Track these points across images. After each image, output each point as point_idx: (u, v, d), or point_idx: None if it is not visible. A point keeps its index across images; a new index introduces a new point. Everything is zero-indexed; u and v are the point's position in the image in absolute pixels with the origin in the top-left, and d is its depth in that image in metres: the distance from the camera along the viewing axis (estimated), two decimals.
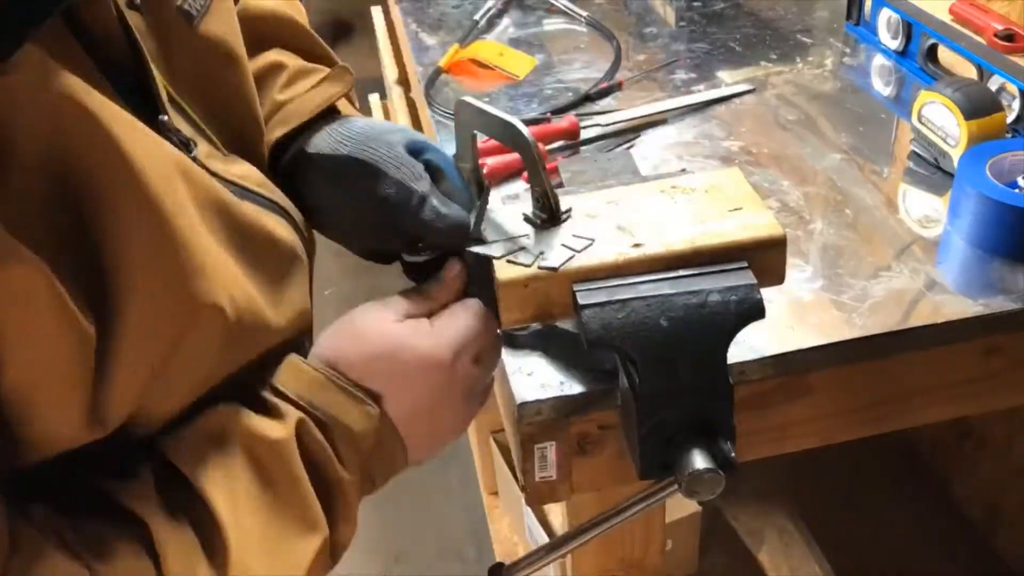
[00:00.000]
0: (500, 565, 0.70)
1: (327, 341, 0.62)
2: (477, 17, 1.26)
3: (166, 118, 0.54)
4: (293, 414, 0.57)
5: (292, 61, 0.73)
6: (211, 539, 0.53)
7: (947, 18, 1.00)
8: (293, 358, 0.60)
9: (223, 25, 0.61)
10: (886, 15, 1.10)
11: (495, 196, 0.67)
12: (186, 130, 0.57)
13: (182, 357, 0.52)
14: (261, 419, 0.57)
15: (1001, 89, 0.94)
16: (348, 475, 0.58)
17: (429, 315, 0.63)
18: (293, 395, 0.58)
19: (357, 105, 0.76)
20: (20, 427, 0.47)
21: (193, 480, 0.54)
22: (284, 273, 0.61)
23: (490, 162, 0.90)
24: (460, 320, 0.63)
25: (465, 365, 0.63)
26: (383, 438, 0.61)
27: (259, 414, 0.57)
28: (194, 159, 0.55)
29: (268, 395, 0.58)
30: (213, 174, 0.56)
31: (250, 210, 0.58)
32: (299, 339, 0.64)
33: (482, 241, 0.64)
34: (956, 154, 0.86)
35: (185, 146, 0.55)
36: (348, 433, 0.59)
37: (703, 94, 1.06)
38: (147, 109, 0.53)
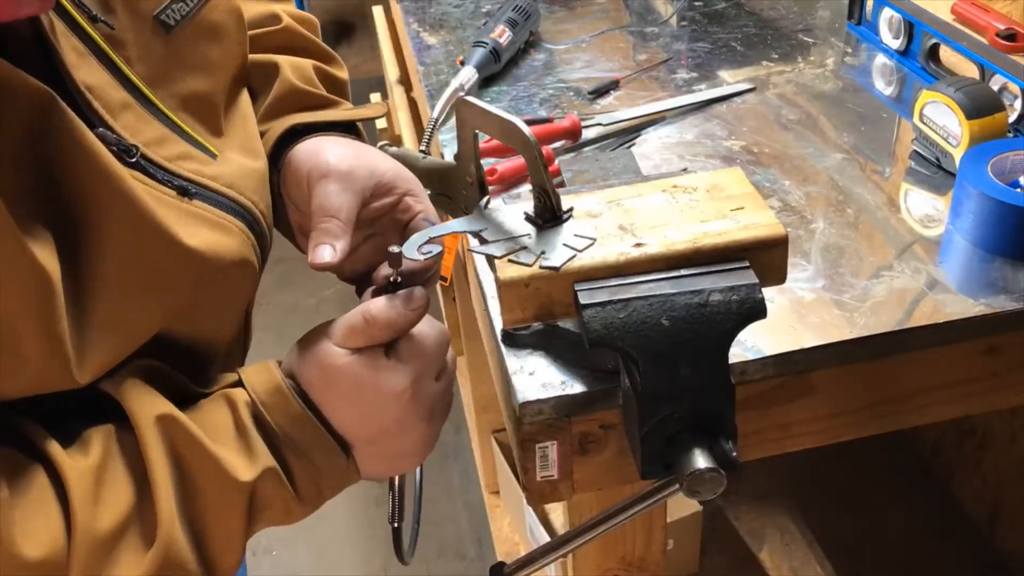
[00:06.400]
0: (501, 564, 0.70)
1: (304, 367, 0.62)
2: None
3: (100, 130, 0.55)
4: (264, 459, 0.58)
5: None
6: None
7: (949, 17, 1.00)
8: (281, 380, 0.60)
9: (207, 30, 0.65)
10: (887, 15, 1.10)
11: (497, 196, 0.67)
12: (151, 131, 0.59)
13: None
14: (233, 453, 0.57)
15: (1003, 89, 0.94)
16: (300, 507, 0.61)
17: (385, 340, 0.62)
18: (276, 429, 0.59)
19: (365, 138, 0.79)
20: None
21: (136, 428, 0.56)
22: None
23: (500, 167, 0.90)
24: (420, 346, 0.63)
25: (427, 387, 0.64)
26: (348, 480, 0.63)
27: (235, 438, 0.58)
28: (135, 163, 0.57)
29: (249, 422, 0.59)
30: (163, 168, 0.59)
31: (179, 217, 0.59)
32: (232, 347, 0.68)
33: (483, 241, 0.64)
34: (958, 154, 0.86)
35: (126, 152, 0.56)
36: (315, 475, 0.61)
37: (704, 93, 1.06)
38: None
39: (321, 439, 0.60)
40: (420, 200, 0.71)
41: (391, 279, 0.64)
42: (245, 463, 0.57)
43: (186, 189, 0.59)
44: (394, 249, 0.62)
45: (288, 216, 0.73)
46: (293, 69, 0.76)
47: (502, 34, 1.11)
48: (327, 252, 0.64)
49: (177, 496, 0.55)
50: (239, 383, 0.61)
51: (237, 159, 0.66)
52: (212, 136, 0.65)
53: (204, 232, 0.59)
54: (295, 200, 0.71)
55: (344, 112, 0.76)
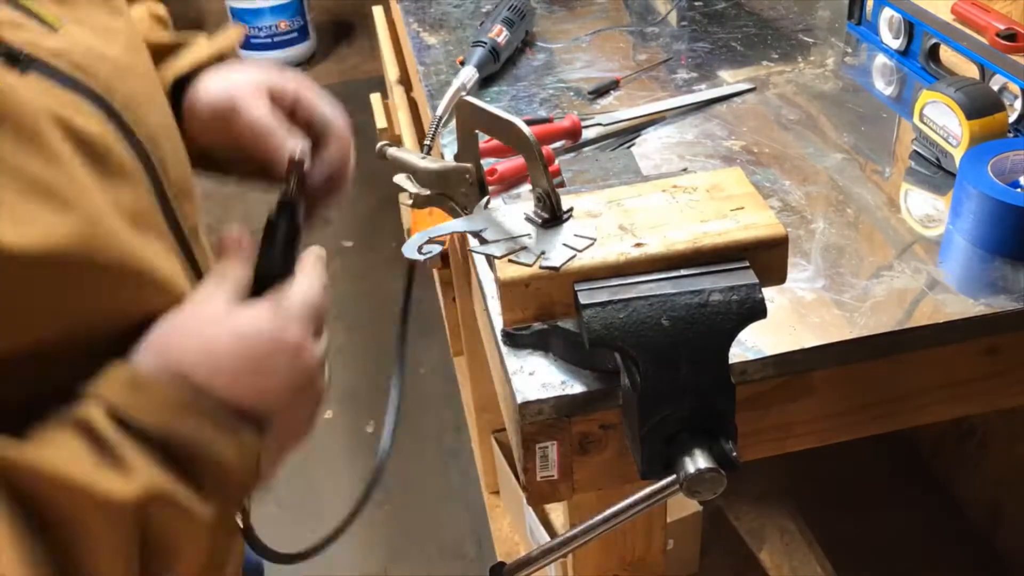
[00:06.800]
0: (501, 564, 0.70)
1: (164, 344, 0.48)
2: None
3: None
4: (144, 473, 0.44)
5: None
6: None
7: (949, 17, 1.00)
8: (136, 369, 0.46)
9: None
10: (888, 14, 1.10)
11: (497, 196, 0.67)
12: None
13: None
14: (100, 474, 0.43)
15: (1003, 89, 0.94)
16: (207, 513, 0.47)
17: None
18: (149, 427, 0.45)
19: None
20: None
21: None
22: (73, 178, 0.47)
23: (500, 167, 0.90)
24: (302, 293, 0.54)
25: (312, 342, 0.54)
26: (261, 468, 0.50)
27: (97, 455, 0.43)
28: None
29: (110, 433, 0.44)
30: None
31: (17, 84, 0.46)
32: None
33: (483, 241, 0.64)
34: (958, 154, 0.86)
35: None
36: (218, 472, 0.47)
37: (704, 93, 1.06)
38: None
39: (212, 418, 0.47)
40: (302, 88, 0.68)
41: (284, 195, 0.57)
42: (119, 481, 0.43)
43: (16, 57, 0.46)
44: (296, 155, 0.59)
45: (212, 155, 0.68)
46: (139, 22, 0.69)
47: (499, 33, 1.11)
48: (299, 143, 0.61)
49: (35, 555, 0.41)
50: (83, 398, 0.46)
51: (87, 39, 0.52)
52: (52, 2, 0.51)
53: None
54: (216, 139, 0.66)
55: (209, 47, 0.71)
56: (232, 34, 0.74)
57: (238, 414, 0.48)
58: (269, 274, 0.56)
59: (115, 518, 0.43)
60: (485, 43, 1.09)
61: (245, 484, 0.49)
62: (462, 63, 1.09)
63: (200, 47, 0.71)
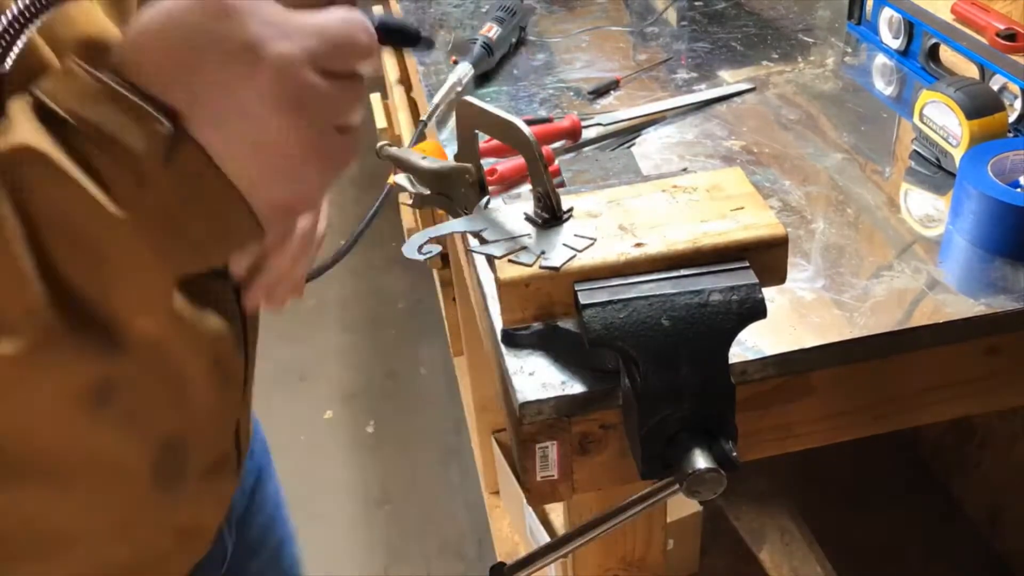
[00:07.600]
0: (501, 564, 0.70)
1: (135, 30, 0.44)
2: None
3: None
4: (23, 132, 0.42)
5: None
6: None
7: (949, 17, 1.00)
8: (66, 64, 0.44)
9: None
10: (887, 14, 1.10)
11: (497, 196, 0.67)
12: None
13: None
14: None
15: (1003, 88, 0.94)
16: (119, 212, 0.42)
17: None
18: (65, 114, 0.42)
19: None
20: None
21: None
22: None
23: (500, 167, 0.90)
24: (322, 15, 0.45)
25: (311, 75, 0.44)
26: (189, 168, 0.44)
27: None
28: None
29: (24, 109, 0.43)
30: None
31: None
32: None
33: (483, 241, 0.64)
34: (958, 153, 0.86)
35: None
36: (125, 156, 0.43)
37: (704, 93, 1.06)
38: None
39: (124, 106, 0.43)
40: None
41: None
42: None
43: None
44: None
45: None
46: None
47: (490, 30, 1.12)
48: None
49: None
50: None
51: None
52: None
53: None
54: None
55: None
56: None
57: (163, 108, 0.43)
58: None
59: None
60: (476, 40, 1.11)
61: (159, 178, 0.44)
62: (455, 62, 1.10)
63: None
